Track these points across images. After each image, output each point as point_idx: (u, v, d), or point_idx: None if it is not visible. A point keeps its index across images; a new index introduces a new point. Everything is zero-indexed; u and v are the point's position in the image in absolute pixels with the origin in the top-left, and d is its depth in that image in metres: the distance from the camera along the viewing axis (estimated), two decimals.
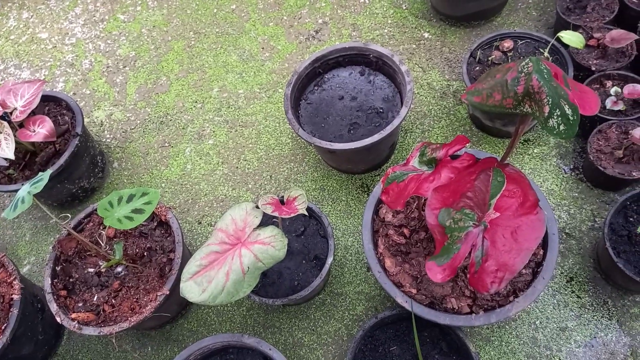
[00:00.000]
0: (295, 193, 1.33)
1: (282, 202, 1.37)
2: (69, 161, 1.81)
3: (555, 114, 0.89)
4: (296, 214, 1.28)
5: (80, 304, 1.53)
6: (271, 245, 1.23)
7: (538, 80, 0.91)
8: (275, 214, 1.27)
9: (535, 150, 1.86)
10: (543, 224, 0.96)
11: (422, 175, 1.18)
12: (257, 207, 1.32)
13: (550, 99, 0.89)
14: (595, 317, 1.56)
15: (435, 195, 1.05)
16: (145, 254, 1.57)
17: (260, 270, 1.24)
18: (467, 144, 1.17)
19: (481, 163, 1.11)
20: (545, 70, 0.92)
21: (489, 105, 1.00)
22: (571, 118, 0.88)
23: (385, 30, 2.31)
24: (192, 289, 1.24)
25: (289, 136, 2.08)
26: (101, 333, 1.42)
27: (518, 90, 0.93)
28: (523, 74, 0.93)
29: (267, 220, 1.57)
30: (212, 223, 1.93)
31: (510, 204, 0.99)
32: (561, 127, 0.89)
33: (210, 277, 1.23)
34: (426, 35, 2.26)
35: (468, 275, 0.97)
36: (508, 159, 1.78)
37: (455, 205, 1.02)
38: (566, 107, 0.88)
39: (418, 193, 1.12)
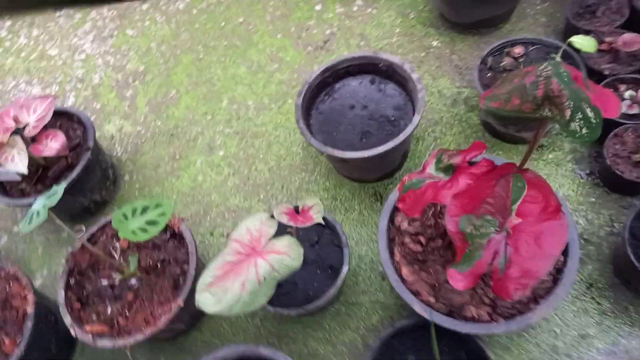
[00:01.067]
0: (310, 202, 1.32)
1: (296, 211, 1.36)
2: (81, 174, 1.81)
3: (577, 117, 0.87)
4: (311, 224, 1.27)
5: (94, 316, 1.52)
6: (287, 254, 1.22)
7: (558, 83, 0.90)
8: (291, 223, 1.26)
9: (550, 156, 1.85)
10: (566, 230, 0.94)
11: (439, 183, 1.16)
12: (272, 217, 1.31)
13: (572, 102, 0.88)
14: (617, 324, 1.53)
15: (455, 202, 1.03)
16: (158, 265, 1.57)
17: (276, 280, 1.23)
18: (484, 150, 1.16)
19: (500, 169, 1.10)
20: (565, 74, 0.91)
21: (507, 110, 0.99)
22: (593, 121, 0.87)
23: (394, 40, 2.31)
24: (208, 300, 1.22)
25: (300, 146, 2.07)
26: (116, 345, 1.41)
27: (537, 94, 0.93)
28: (542, 77, 0.93)
29: (280, 231, 1.56)
30: (224, 234, 1.92)
31: (532, 210, 0.98)
32: (584, 131, 0.87)
33: (226, 288, 1.22)
34: (435, 43, 2.26)
35: (491, 282, 0.95)
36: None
37: (475, 211, 1.00)
38: (588, 110, 0.87)
39: (436, 200, 1.11)
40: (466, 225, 0.98)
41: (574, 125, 0.87)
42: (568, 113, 0.88)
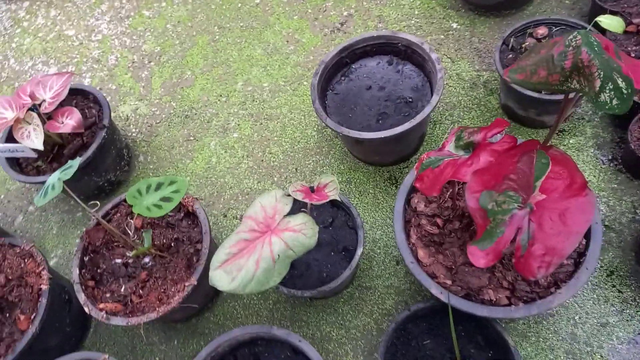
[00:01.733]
0: (326, 179, 1.29)
1: (312, 190, 1.33)
2: (96, 153, 1.81)
3: (607, 87, 0.84)
4: (327, 200, 1.25)
5: (107, 295, 1.52)
6: (302, 232, 1.20)
7: (588, 53, 0.86)
8: (306, 200, 1.23)
9: (571, 141, 1.80)
10: (593, 206, 0.90)
11: (459, 160, 1.13)
12: (287, 194, 1.29)
13: (602, 72, 0.84)
14: (639, 313, 1.48)
15: (476, 178, 1.00)
16: (172, 244, 1.56)
17: (291, 259, 1.21)
18: (507, 127, 1.12)
19: (522, 146, 1.06)
20: (596, 43, 0.87)
21: (533, 83, 0.96)
22: (625, 91, 0.83)
23: (412, 22, 2.27)
24: (222, 278, 1.21)
25: (315, 129, 2.04)
26: (129, 323, 1.41)
27: (565, 65, 0.89)
28: (571, 47, 0.88)
29: (294, 210, 1.54)
30: (238, 216, 1.91)
31: (557, 186, 0.94)
32: (614, 102, 0.84)
33: (240, 266, 1.20)
34: (454, 25, 2.21)
35: (513, 260, 0.92)
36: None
37: (497, 188, 0.97)
38: (619, 80, 0.83)
39: (456, 177, 1.08)
40: (487, 202, 0.95)
41: (604, 96, 0.83)
42: (598, 84, 0.84)
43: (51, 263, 1.96)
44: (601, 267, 1.57)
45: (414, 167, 1.39)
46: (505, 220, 0.92)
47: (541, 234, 0.89)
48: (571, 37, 0.89)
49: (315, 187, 1.33)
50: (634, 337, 1.45)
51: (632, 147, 1.59)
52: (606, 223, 1.63)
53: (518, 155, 1.01)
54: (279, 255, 1.19)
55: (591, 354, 1.45)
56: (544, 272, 0.88)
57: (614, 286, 1.54)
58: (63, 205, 2.09)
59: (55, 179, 1.25)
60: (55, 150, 1.86)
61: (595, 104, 0.85)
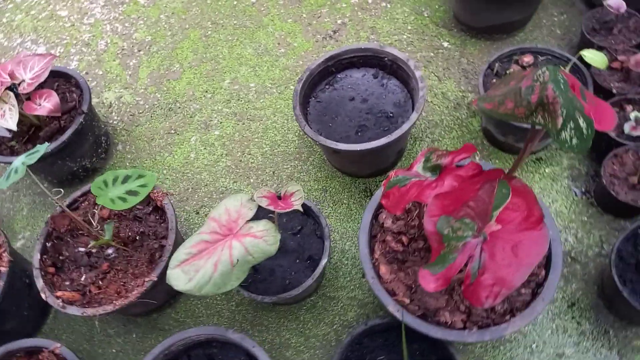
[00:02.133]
0: (292, 188, 1.29)
1: (279, 197, 1.33)
2: (72, 138, 1.79)
3: (568, 126, 0.84)
4: (291, 209, 1.24)
5: (67, 283, 1.50)
6: (263, 239, 1.20)
7: (554, 90, 0.86)
8: (271, 207, 1.23)
9: (546, 170, 1.81)
10: (546, 240, 0.91)
11: (424, 182, 1.13)
12: (253, 199, 1.28)
13: (565, 110, 0.84)
14: (595, 346, 1.50)
15: (436, 202, 1.00)
16: (137, 238, 1.55)
17: (250, 264, 1.21)
18: (475, 153, 1.13)
19: (487, 173, 1.06)
20: (562, 81, 0.88)
21: (500, 113, 0.96)
22: (585, 132, 0.84)
23: (404, 36, 2.27)
24: (179, 277, 1.20)
25: (296, 134, 2.04)
26: (85, 314, 1.39)
27: (532, 100, 0.89)
28: (538, 82, 0.89)
29: (263, 216, 1.54)
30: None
31: (514, 218, 0.95)
32: (574, 141, 0.84)
33: (198, 267, 1.20)
34: (445, 44, 2.22)
35: (462, 287, 0.93)
36: (518, 175, 1.73)
37: (455, 214, 0.97)
38: (581, 120, 0.84)
39: (419, 199, 1.08)
40: (444, 227, 0.95)
41: (565, 135, 0.84)
42: (560, 121, 0.84)
43: (18, 245, 1.93)
44: (563, 297, 1.59)
45: (383, 182, 1.40)
46: (458, 246, 0.92)
47: (492, 264, 0.90)
48: (539, 72, 0.90)
49: (282, 195, 1.33)
50: None
51: (605, 182, 1.60)
52: (572, 255, 1.65)
53: (481, 183, 1.02)
54: (238, 260, 1.19)
55: None
56: (491, 302, 0.89)
57: (573, 318, 1.55)
58: (36, 187, 2.06)
59: (19, 162, 1.23)
60: (32, 132, 1.84)
61: (556, 141, 0.86)
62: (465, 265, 0.92)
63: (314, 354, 1.59)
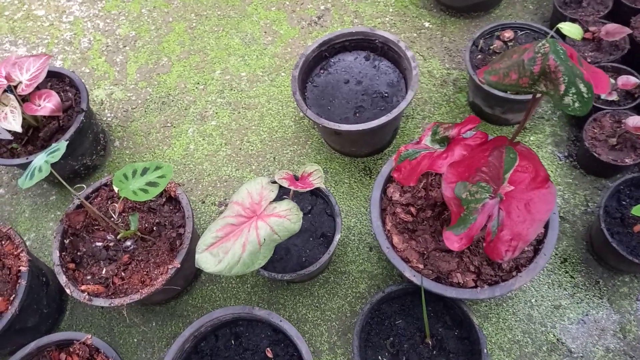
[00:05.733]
0: (310, 168, 1.36)
1: (295, 178, 1.40)
2: (74, 137, 1.81)
3: (571, 91, 0.94)
4: (311, 189, 1.32)
5: (88, 277, 1.54)
6: (287, 218, 1.27)
7: (555, 60, 0.96)
8: (292, 187, 1.30)
9: (531, 138, 1.93)
10: (554, 197, 1.01)
11: (435, 153, 1.22)
12: (273, 181, 1.35)
13: (567, 78, 0.94)
14: (588, 296, 1.64)
15: (451, 169, 1.09)
16: (154, 228, 1.59)
17: (276, 243, 1.28)
18: (478, 124, 1.22)
19: (493, 141, 1.16)
20: (562, 51, 0.97)
21: (505, 84, 1.05)
22: (586, 96, 0.94)
23: (387, 19, 2.35)
24: (208, 260, 1.26)
25: (292, 119, 2.10)
26: (112, 304, 1.44)
27: (534, 70, 0.99)
28: (540, 54, 0.98)
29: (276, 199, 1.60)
30: (216, 202, 1.95)
31: (523, 179, 1.05)
32: (576, 105, 0.94)
33: (227, 249, 1.26)
34: (427, 24, 2.31)
35: (483, 244, 1.02)
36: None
37: (470, 179, 1.07)
38: (581, 86, 0.94)
39: (432, 169, 1.17)
40: (462, 191, 1.04)
41: (568, 99, 0.94)
42: (562, 88, 0.94)
43: None
44: (556, 254, 1.72)
45: (392, 158, 1.48)
46: (477, 208, 1.01)
47: (509, 221, 1.00)
48: (540, 44, 0.99)
49: (299, 176, 1.40)
50: (582, 317, 1.60)
51: (587, 145, 1.73)
52: (561, 214, 1.78)
53: (489, 150, 1.11)
54: (264, 239, 1.26)
55: (545, 333, 1.59)
56: (510, 255, 0.99)
57: (567, 272, 1.69)
58: (35, 188, 2.06)
59: (42, 161, 1.26)
60: (30, 133, 1.85)
61: (559, 106, 0.96)
62: (485, 224, 1.02)
63: (331, 325, 1.68)
